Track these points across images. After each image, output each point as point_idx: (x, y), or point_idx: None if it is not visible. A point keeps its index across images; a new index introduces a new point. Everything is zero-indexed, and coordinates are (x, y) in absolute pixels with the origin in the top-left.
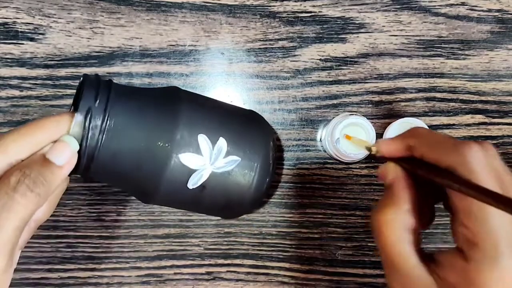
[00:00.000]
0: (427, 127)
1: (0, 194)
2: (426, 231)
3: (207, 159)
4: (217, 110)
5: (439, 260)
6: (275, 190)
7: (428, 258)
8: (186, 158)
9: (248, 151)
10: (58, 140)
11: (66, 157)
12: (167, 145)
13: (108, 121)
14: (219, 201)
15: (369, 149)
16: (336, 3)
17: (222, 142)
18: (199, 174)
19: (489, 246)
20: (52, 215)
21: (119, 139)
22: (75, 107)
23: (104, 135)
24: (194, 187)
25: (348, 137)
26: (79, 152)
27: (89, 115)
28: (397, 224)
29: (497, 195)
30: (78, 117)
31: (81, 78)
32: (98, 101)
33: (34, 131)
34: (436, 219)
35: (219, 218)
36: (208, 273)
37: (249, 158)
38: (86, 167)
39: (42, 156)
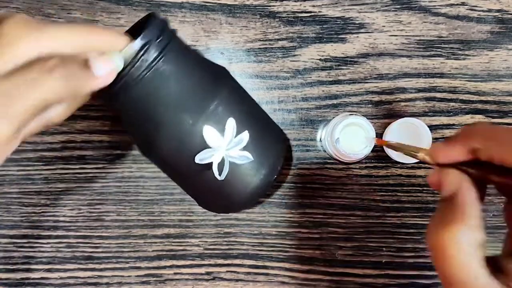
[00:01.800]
0: (427, 127)
1: (33, 69)
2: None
3: (225, 142)
4: (252, 104)
5: (506, 268)
6: (275, 190)
7: (495, 267)
8: (208, 132)
9: (262, 156)
10: (106, 53)
11: (106, 71)
12: (198, 109)
13: (159, 62)
14: (213, 188)
15: (420, 156)
16: (336, 3)
17: (245, 135)
18: (211, 152)
19: None
20: (52, 215)
21: (159, 82)
22: (133, 34)
23: (148, 72)
24: (200, 162)
25: (397, 145)
26: (118, 74)
27: (146, 47)
28: (465, 244)
29: None
30: (135, 44)
31: (149, 13)
32: (159, 39)
33: (88, 33)
34: None
35: (218, 218)
36: (207, 273)
37: (259, 163)
38: (115, 93)
39: (85, 60)
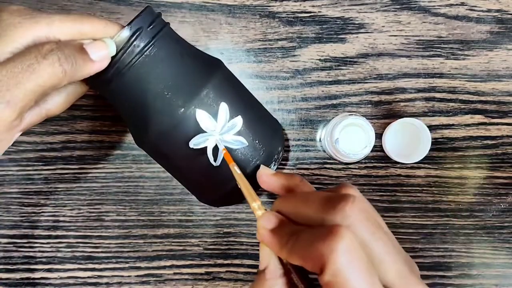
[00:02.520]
0: (426, 127)
1: (30, 55)
2: (425, 231)
3: (219, 126)
4: (246, 93)
5: None
6: None
7: None
8: (201, 116)
9: (257, 142)
10: (100, 39)
11: (101, 55)
12: (190, 94)
13: (150, 48)
14: (208, 174)
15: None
16: (336, 3)
17: (238, 120)
18: (205, 137)
19: None
20: (52, 215)
21: (151, 67)
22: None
23: (140, 58)
24: (194, 147)
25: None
26: (110, 61)
27: (137, 34)
28: None
29: None
30: (126, 31)
31: (146, 6)
32: (151, 26)
33: (82, 21)
34: (435, 219)
35: (218, 218)
36: (207, 273)
37: (254, 148)
38: (108, 79)
39: (80, 44)
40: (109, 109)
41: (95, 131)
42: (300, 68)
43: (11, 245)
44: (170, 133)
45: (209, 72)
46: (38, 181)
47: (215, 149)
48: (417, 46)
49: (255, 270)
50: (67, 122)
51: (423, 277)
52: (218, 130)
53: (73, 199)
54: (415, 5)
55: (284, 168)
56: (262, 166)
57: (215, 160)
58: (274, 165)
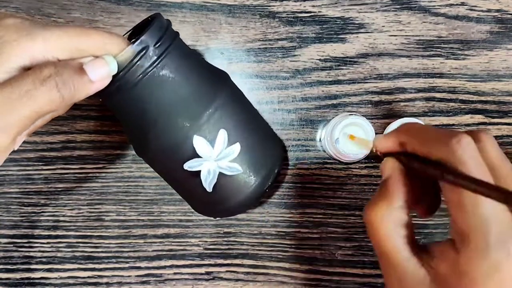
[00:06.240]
0: None
1: (27, 80)
2: (426, 230)
3: (215, 153)
4: (249, 113)
5: (432, 251)
6: (275, 190)
7: (422, 250)
8: (198, 142)
9: (253, 167)
10: (100, 56)
11: (101, 75)
12: (191, 118)
13: (155, 68)
14: (201, 196)
15: (371, 145)
16: (336, 3)
17: (236, 147)
18: (200, 162)
19: (479, 238)
20: (52, 215)
21: (154, 87)
22: (133, 35)
23: (144, 77)
24: (189, 169)
25: (352, 137)
26: (113, 78)
27: (143, 53)
28: (389, 220)
29: (486, 184)
30: (132, 49)
31: (153, 14)
32: (158, 45)
33: (81, 37)
34: (436, 219)
35: (218, 218)
36: (207, 273)
37: (250, 174)
38: (109, 94)
39: (79, 65)
40: (109, 109)
41: (95, 131)
42: (300, 68)
43: (11, 245)
44: (167, 152)
45: (213, 93)
46: (38, 181)
47: (209, 174)
48: (417, 46)
49: (255, 270)
50: (67, 122)
51: None
52: (214, 156)
53: (73, 199)
54: (415, 5)
55: (284, 168)
56: (377, 136)
57: (207, 185)
58: (270, 184)
